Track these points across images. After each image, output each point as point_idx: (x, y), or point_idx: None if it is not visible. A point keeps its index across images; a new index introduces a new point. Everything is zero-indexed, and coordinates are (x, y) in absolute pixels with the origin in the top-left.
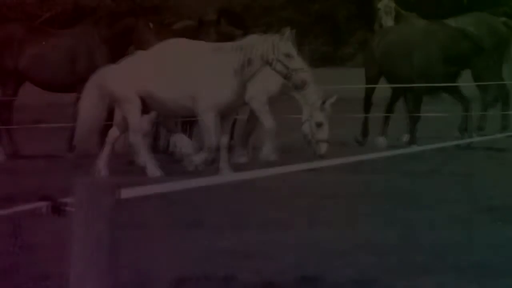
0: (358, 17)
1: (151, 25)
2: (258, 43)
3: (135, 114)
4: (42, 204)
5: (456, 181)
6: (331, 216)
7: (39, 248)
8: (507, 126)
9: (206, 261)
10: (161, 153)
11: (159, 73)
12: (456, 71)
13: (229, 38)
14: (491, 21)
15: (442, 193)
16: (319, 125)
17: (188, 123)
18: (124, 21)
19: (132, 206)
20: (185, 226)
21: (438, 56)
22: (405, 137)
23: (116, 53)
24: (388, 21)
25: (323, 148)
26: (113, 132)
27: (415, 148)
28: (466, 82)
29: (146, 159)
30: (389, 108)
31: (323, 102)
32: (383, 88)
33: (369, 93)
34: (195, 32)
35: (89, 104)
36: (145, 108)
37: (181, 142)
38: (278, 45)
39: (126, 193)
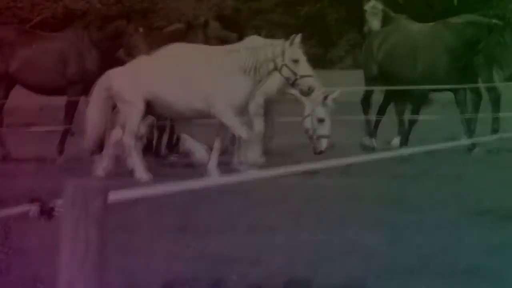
0: (347, 20)
1: (140, 29)
2: (266, 46)
3: (134, 117)
4: (31, 207)
5: (445, 184)
6: (320, 220)
7: (30, 250)
8: (497, 129)
9: (194, 265)
10: (154, 156)
11: (167, 76)
12: (464, 65)
13: (224, 41)
14: (481, 23)
15: (431, 197)
16: (320, 120)
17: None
18: (114, 24)
19: (121, 209)
20: (173, 229)
21: (444, 58)
22: (395, 140)
23: (106, 57)
24: (374, 23)
25: (324, 143)
26: (116, 133)
27: (405, 151)
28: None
29: (135, 162)
30: (381, 110)
31: (325, 98)
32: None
33: (368, 95)
34: (184, 35)
35: (96, 107)
36: (152, 111)
37: (195, 149)
38: (287, 50)
39: (115, 196)
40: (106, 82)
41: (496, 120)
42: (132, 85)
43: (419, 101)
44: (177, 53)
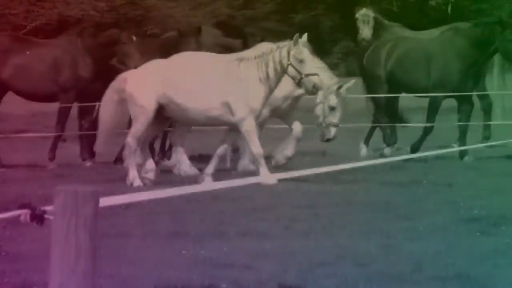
0: (341, 28)
1: (134, 37)
2: (274, 50)
3: (142, 121)
4: (21, 212)
5: (437, 191)
6: (311, 226)
7: (21, 256)
8: (488, 137)
9: (185, 271)
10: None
11: (181, 82)
12: (477, 71)
13: (229, 48)
14: (491, 22)
15: (423, 203)
16: (332, 109)
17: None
18: (108, 32)
19: (113, 215)
20: (164, 235)
21: (457, 64)
22: (387, 149)
23: (100, 64)
24: (365, 31)
25: (333, 131)
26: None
27: (396, 158)
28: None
29: (131, 165)
30: (376, 119)
31: (340, 87)
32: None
33: (379, 103)
34: (177, 43)
35: (109, 109)
36: (164, 115)
37: (182, 163)
38: (291, 50)
39: (106, 201)
40: (119, 85)
41: (487, 128)
42: (145, 89)
43: (433, 108)
44: (190, 59)
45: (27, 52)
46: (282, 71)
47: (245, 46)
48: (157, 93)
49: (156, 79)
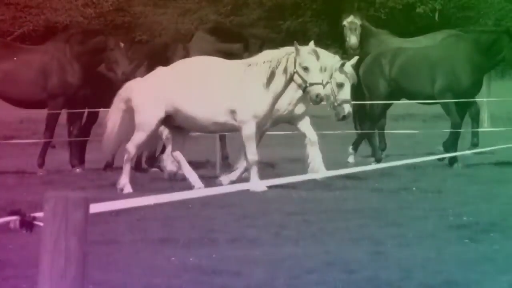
0: (329, 35)
1: (121, 44)
2: (282, 57)
3: (146, 130)
4: (11, 219)
5: (426, 198)
6: (301, 233)
7: (10, 262)
8: (477, 144)
9: (175, 277)
10: (135, 169)
11: (188, 90)
12: (481, 78)
13: (229, 54)
14: (498, 31)
15: (412, 210)
16: (340, 85)
17: None
18: (96, 39)
19: (103, 221)
20: (154, 242)
21: (464, 69)
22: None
23: (88, 70)
24: (352, 39)
25: (347, 108)
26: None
27: (385, 165)
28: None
29: (125, 171)
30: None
31: (343, 64)
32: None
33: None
34: (165, 49)
35: (115, 119)
36: (173, 124)
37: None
38: (298, 58)
39: (96, 208)
40: (126, 94)
41: (475, 134)
42: (152, 100)
43: (449, 110)
44: (196, 66)
45: (15, 58)
46: (289, 79)
47: (246, 49)
48: (164, 103)
49: (163, 88)
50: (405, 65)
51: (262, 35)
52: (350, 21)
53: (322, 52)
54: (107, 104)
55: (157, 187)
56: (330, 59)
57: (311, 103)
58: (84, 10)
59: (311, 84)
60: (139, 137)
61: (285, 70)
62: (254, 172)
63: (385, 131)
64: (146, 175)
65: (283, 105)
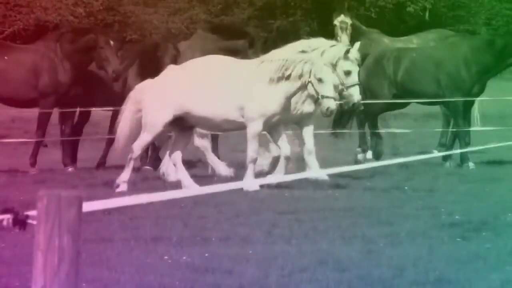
0: (319, 33)
1: (111, 42)
2: (298, 62)
3: (151, 134)
4: (4, 217)
5: (418, 197)
6: (293, 231)
7: (3, 260)
8: (468, 143)
9: (167, 275)
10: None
11: (200, 90)
12: (487, 77)
13: (234, 51)
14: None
15: (404, 209)
16: (347, 73)
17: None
18: (86, 37)
19: (95, 220)
20: (147, 240)
21: (470, 68)
22: (368, 153)
23: (79, 69)
24: (343, 38)
25: (356, 93)
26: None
27: (377, 163)
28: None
29: (126, 171)
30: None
31: (347, 51)
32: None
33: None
34: (155, 49)
35: (127, 120)
36: (186, 124)
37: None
38: (314, 68)
39: (89, 206)
40: (137, 95)
41: (467, 134)
42: (161, 102)
43: (455, 112)
44: (208, 64)
45: (5, 58)
46: (302, 86)
47: (251, 46)
48: (173, 107)
49: (174, 90)
50: (411, 68)
51: (253, 34)
52: (341, 20)
53: (324, 41)
54: (99, 103)
55: (150, 185)
56: (334, 47)
57: (322, 114)
58: (74, 9)
59: (323, 97)
60: (145, 138)
61: (300, 76)
62: (250, 170)
63: (377, 130)
64: (139, 174)
65: (292, 103)
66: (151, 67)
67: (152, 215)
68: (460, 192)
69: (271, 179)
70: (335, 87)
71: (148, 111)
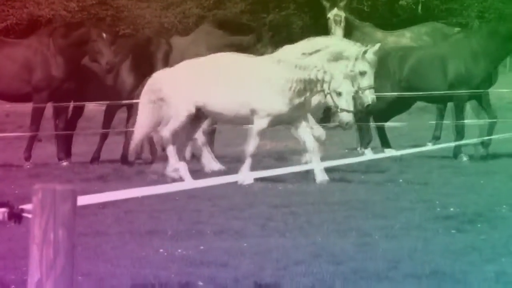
0: (312, 27)
1: (104, 34)
2: (317, 70)
3: (179, 120)
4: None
5: (413, 190)
6: (288, 225)
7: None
8: (463, 136)
9: (162, 268)
10: (121, 162)
11: (216, 82)
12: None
13: (240, 47)
14: (445, 31)
15: (399, 202)
16: (363, 73)
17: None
18: (79, 31)
19: (90, 214)
20: (142, 233)
21: (478, 59)
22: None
23: (72, 64)
24: (337, 31)
25: (370, 95)
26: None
27: (371, 157)
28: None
29: (171, 156)
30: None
31: (365, 52)
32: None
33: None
34: (148, 44)
35: (144, 109)
36: (201, 116)
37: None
38: (333, 80)
39: (83, 200)
40: (155, 85)
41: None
42: (182, 89)
43: (458, 106)
44: (222, 62)
45: None
46: (317, 92)
47: (259, 40)
48: (193, 94)
49: (192, 80)
50: (416, 66)
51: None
52: (335, 13)
53: (344, 41)
54: (92, 97)
55: (144, 179)
56: (351, 47)
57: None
58: (67, 4)
59: (342, 110)
60: (173, 125)
61: (316, 84)
62: (247, 164)
63: (370, 124)
64: (133, 168)
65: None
66: (144, 62)
67: (147, 209)
68: (455, 185)
69: (266, 172)
70: (353, 98)
71: (173, 101)
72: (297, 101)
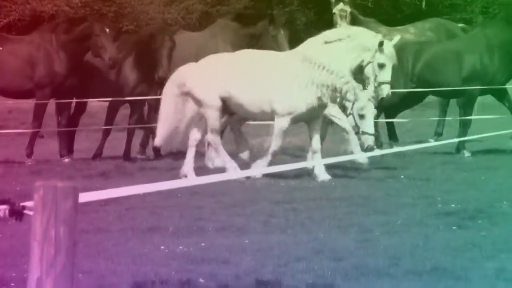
0: (316, 23)
1: (107, 29)
2: (340, 79)
3: (213, 115)
4: (0, 208)
5: (414, 186)
6: (289, 221)
7: (0, 252)
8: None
9: (164, 265)
10: (124, 158)
11: (241, 77)
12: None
13: (254, 36)
14: (449, 27)
15: (400, 198)
16: (381, 66)
17: None
18: (81, 27)
19: (92, 211)
20: (143, 230)
21: (492, 52)
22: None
23: (75, 60)
24: (342, 26)
25: (386, 90)
26: (195, 134)
27: (373, 153)
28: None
29: (225, 158)
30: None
31: (381, 44)
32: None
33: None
34: (151, 40)
35: (169, 104)
36: (226, 109)
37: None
38: (357, 103)
39: (85, 197)
40: (179, 79)
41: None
42: (207, 83)
43: (469, 101)
44: (250, 56)
45: (1, 48)
46: (335, 102)
47: (271, 23)
48: (218, 88)
49: (217, 75)
50: (431, 61)
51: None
52: (341, 8)
53: (365, 31)
54: (95, 94)
55: (146, 175)
56: (372, 38)
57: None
58: (70, 0)
59: (364, 133)
60: (210, 123)
61: (340, 97)
62: (266, 160)
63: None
64: (135, 164)
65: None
66: (147, 59)
67: (148, 205)
68: (456, 181)
69: (269, 169)
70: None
71: (198, 95)
72: (316, 103)
